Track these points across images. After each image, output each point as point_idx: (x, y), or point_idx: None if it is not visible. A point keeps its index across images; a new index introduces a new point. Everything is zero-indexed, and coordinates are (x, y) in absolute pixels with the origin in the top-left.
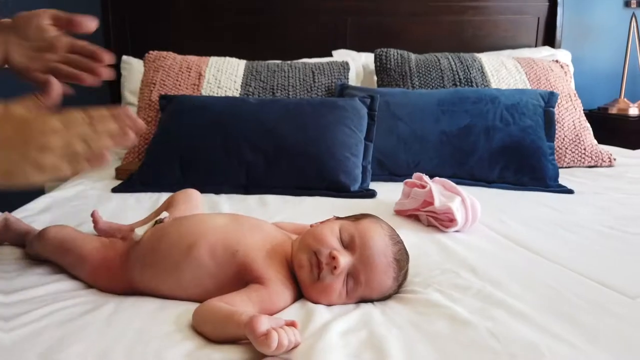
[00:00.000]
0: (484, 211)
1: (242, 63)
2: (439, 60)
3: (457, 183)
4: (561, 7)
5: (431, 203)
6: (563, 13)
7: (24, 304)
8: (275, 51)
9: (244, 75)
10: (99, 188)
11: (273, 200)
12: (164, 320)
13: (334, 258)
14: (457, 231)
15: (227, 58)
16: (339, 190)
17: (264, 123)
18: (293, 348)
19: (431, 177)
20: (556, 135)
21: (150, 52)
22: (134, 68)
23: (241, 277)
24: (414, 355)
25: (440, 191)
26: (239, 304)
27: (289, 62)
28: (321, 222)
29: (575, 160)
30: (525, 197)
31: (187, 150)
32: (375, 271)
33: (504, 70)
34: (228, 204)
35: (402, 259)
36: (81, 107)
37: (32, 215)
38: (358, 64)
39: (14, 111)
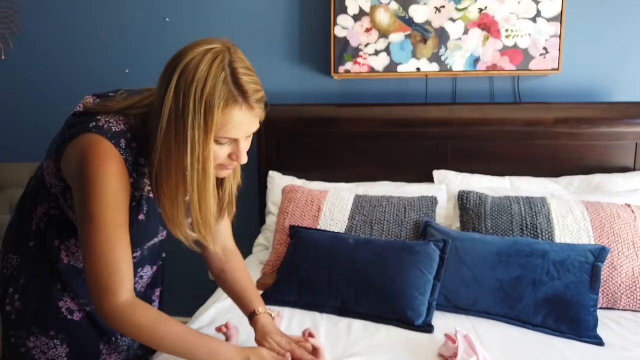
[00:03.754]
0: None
1: (351, 198)
2: (510, 205)
3: (507, 322)
4: None
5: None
6: None
7: None
8: (385, 168)
9: (351, 209)
10: None
11: (357, 327)
12: None
13: None
14: None
15: (341, 193)
16: (406, 322)
17: (357, 263)
18: None
19: (487, 314)
20: (612, 281)
21: (287, 185)
22: (275, 181)
23: None
24: None
25: (465, 348)
26: None
27: (387, 196)
28: None
29: (630, 305)
30: (555, 347)
31: (303, 276)
32: None
33: (570, 217)
34: (324, 326)
35: None
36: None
37: (204, 327)
38: (451, 188)
39: (264, 353)
